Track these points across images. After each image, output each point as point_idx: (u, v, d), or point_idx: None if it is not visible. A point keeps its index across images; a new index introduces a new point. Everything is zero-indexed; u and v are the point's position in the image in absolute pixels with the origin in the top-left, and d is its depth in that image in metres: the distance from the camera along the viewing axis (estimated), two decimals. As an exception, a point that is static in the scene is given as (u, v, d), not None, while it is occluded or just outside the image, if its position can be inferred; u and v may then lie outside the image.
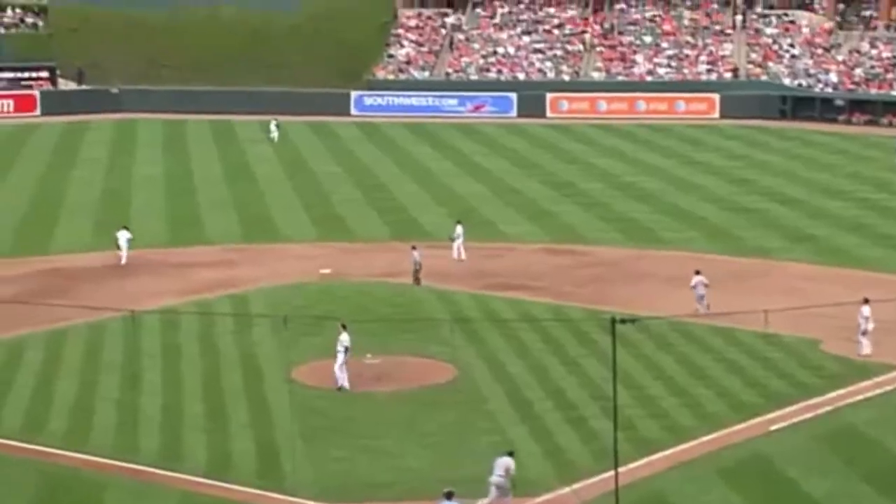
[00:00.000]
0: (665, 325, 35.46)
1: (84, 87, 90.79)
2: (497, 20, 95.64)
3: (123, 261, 45.35)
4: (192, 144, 75.49)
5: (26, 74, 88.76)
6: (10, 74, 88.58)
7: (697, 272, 38.44)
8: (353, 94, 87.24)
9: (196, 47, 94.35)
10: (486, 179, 62.77)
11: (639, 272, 41.65)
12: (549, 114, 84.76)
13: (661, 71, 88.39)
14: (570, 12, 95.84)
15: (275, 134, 75.53)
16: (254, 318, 37.05)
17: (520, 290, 41.38)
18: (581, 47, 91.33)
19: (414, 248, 41.76)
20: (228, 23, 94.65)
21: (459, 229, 45.45)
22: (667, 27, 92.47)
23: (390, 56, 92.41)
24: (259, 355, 34.38)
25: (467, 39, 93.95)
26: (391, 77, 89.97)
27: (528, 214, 54.10)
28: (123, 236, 45.98)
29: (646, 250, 46.86)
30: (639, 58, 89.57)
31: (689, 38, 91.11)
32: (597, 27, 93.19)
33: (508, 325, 36.37)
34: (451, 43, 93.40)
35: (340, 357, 31.56)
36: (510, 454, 25.07)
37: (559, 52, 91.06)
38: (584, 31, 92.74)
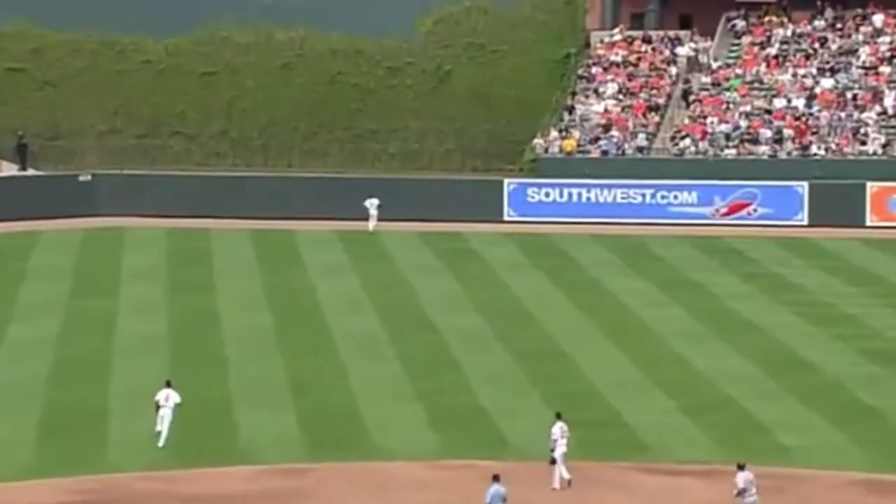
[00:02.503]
0: None
1: (31, 171, 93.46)
2: (773, 49, 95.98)
3: (162, 442, 49.44)
4: (219, 274, 77.12)
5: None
6: None
7: (741, 466, 43.02)
8: (508, 183, 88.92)
9: (232, 100, 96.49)
10: (751, 343, 63.05)
11: None
12: (870, 220, 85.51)
13: None
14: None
15: (374, 218, 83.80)
16: None
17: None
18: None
19: (496, 478, 42.37)
20: (293, 58, 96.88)
21: (558, 430, 46.41)
22: None
23: (572, 113, 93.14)
24: None
25: (716, 84, 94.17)
26: (573, 150, 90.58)
27: (831, 414, 53.98)
28: (169, 399, 49.76)
29: None
30: None
31: None
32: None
33: None
34: (687, 91, 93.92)
35: None
36: None
37: (893, 108, 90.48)
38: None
